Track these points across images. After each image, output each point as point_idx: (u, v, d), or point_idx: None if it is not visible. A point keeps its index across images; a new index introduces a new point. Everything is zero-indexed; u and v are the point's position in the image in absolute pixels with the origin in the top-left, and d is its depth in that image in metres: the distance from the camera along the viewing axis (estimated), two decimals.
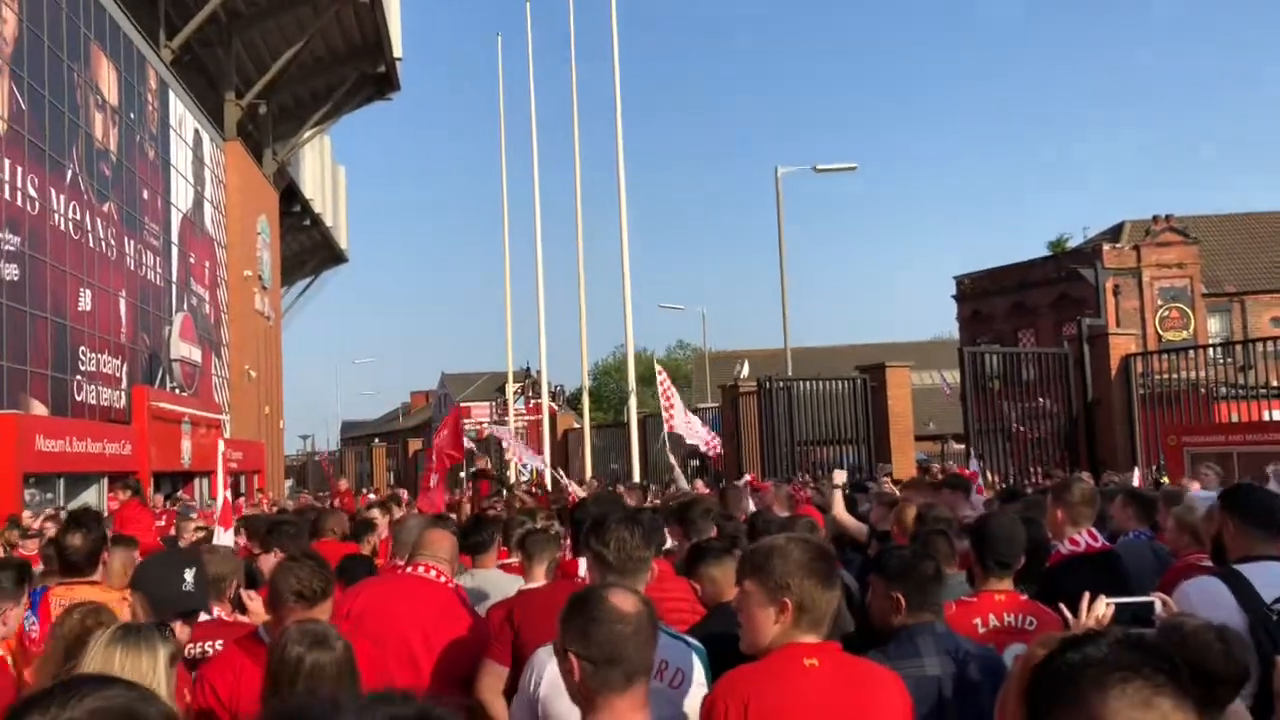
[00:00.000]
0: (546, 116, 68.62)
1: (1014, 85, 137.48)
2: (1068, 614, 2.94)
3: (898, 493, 10.83)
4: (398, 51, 36.27)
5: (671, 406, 12.28)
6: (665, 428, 12.28)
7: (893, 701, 2.81)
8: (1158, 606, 3.04)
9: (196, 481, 25.67)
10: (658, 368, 14.29)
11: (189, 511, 14.63)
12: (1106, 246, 39.96)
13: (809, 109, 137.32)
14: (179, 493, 22.35)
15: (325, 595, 3.63)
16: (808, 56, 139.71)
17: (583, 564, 4.47)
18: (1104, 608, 2.91)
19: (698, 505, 5.80)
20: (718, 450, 14.08)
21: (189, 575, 3.67)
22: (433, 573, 4.46)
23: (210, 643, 3.87)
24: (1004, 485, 14.61)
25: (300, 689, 2.63)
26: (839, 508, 7.60)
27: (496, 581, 5.46)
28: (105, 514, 11.61)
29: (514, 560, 5.73)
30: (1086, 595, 2.93)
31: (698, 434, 13.14)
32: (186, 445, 23.98)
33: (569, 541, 5.69)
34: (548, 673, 3.11)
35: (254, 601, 4.58)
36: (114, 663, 2.46)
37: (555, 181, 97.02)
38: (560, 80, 42.58)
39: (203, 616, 3.97)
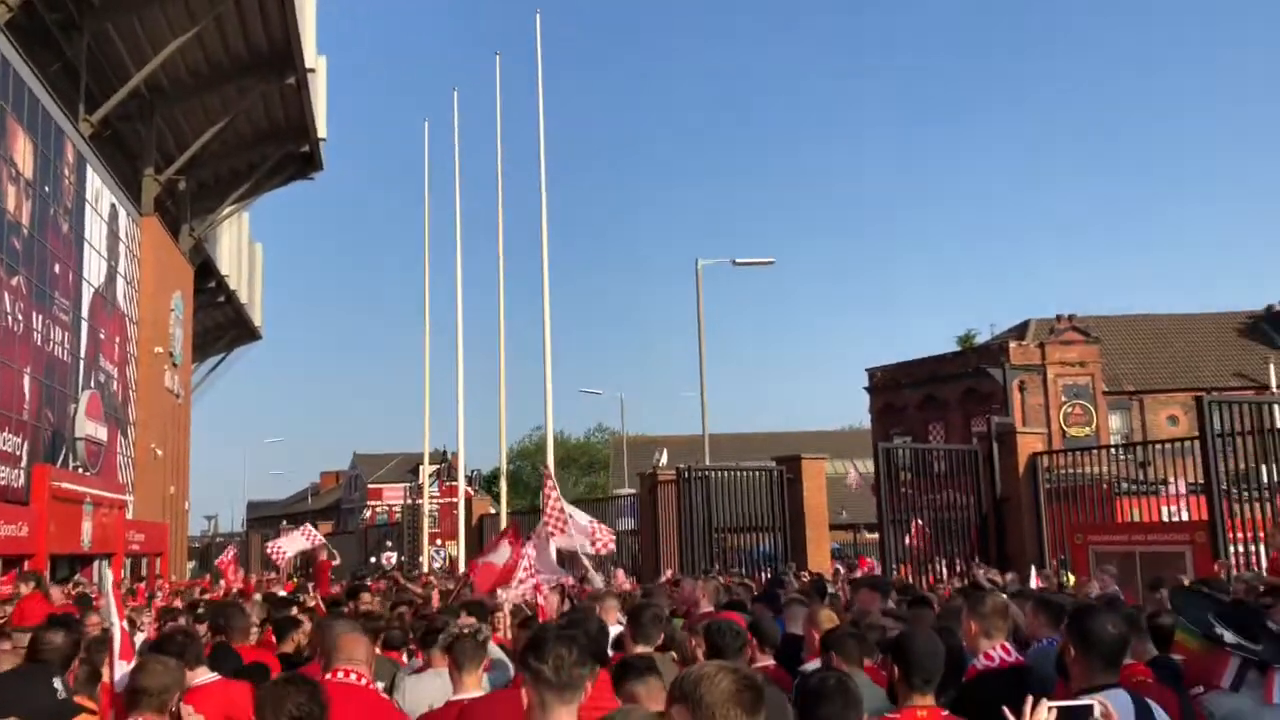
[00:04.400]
0: (472, 200, 68.98)
1: (927, 182, 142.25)
2: (1010, 716, 3.06)
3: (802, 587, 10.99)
4: (322, 132, 36.28)
5: (551, 517, 10.98)
6: (546, 539, 10.75)
7: None
8: (1096, 711, 3.19)
9: (96, 563, 24.77)
10: (545, 470, 12.97)
11: (89, 600, 14.12)
12: (1013, 344, 41.26)
13: (730, 205, 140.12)
14: (78, 575, 21.54)
15: None
16: (730, 153, 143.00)
17: None
18: (1045, 712, 3.06)
19: (649, 610, 5.69)
20: (609, 546, 13.05)
21: (58, 684, 3.54)
22: (353, 676, 4.41)
23: None
24: (909, 591, 14.84)
25: None
26: None
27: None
28: None
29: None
30: (1030, 699, 3.08)
31: (578, 535, 11.47)
32: (88, 526, 23.18)
33: None
34: None
35: (192, 717, 4.45)
36: None
37: (478, 266, 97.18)
38: (487, 164, 43.07)
39: None
